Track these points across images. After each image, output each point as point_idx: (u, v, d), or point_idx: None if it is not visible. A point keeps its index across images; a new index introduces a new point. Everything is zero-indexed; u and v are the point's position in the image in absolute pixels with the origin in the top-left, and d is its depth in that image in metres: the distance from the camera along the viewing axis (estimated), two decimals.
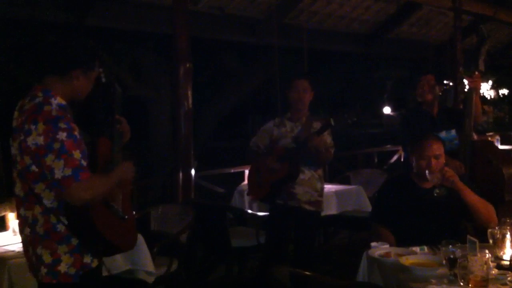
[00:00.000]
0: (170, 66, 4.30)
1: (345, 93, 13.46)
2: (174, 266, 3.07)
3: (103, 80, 1.93)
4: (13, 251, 2.58)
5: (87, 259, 1.81)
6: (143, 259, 2.71)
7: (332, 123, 2.95)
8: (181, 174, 4.08)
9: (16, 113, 1.81)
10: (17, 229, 2.87)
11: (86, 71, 1.84)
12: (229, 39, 6.83)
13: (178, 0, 4.17)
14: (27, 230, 1.80)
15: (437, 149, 2.51)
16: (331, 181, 4.97)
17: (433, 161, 2.48)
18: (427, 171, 2.39)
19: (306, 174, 3.17)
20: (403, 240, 2.44)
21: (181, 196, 4.09)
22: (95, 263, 1.85)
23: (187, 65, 4.06)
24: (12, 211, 2.96)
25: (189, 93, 4.11)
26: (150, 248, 2.80)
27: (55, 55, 1.82)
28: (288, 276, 2.03)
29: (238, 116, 12.65)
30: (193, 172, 4.17)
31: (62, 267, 1.77)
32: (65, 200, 1.72)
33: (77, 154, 1.70)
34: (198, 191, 4.60)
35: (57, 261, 1.76)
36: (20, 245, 2.66)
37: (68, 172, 1.68)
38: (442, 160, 2.53)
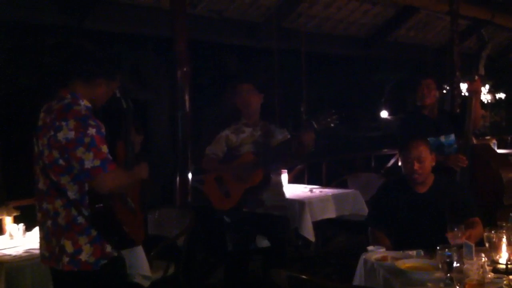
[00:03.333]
0: (170, 69, 4.31)
1: (344, 96, 13.48)
2: (171, 270, 3.06)
3: (117, 95, 2.08)
4: (9, 255, 2.58)
5: (108, 248, 1.95)
6: (139, 263, 2.69)
7: (315, 124, 2.87)
8: (178, 178, 4.08)
9: (42, 114, 1.95)
10: (13, 233, 2.88)
11: (108, 81, 2.00)
12: (228, 42, 6.84)
13: (177, 4, 4.17)
14: (49, 222, 1.93)
15: (421, 151, 2.46)
16: (328, 184, 4.98)
17: (416, 164, 2.45)
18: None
19: (272, 179, 3.11)
20: (399, 244, 2.44)
21: (178, 200, 4.09)
22: (114, 253, 1.97)
23: (185, 69, 4.06)
24: (8, 215, 2.96)
25: (187, 97, 4.11)
26: (147, 252, 2.79)
27: (85, 61, 1.98)
28: (286, 279, 2.04)
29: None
30: (190, 175, 4.16)
31: (83, 256, 1.90)
32: (89, 188, 1.86)
33: (104, 148, 1.87)
34: (195, 195, 4.59)
35: (78, 250, 1.90)
36: (17, 248, 2.69)
37: (97, 163, 1.83)
38: (427, 164, 2.49)
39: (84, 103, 1.94)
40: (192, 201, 4.00)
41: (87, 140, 1.83)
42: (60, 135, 1.84)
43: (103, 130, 1.89)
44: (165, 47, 4.68)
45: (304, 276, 2.03)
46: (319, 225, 3.91)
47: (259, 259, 3.47)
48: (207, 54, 7.98)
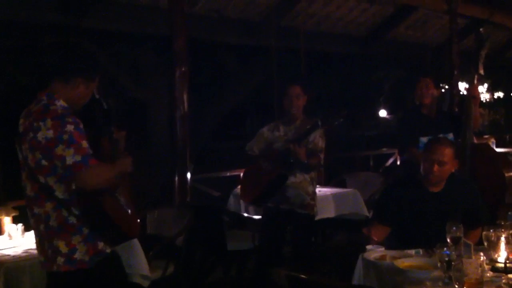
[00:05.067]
0: (169, 68, 4.31)
1: (343, 94, 13.48)
2: (170, 270, 3.07)
3: (96, 96, 2.06)
4: (8, 255, 2.58)
5: (100, 246, 1.94)
6: (138, 263, 2.70)
7: (320, 123, 2.99)
8: (177, 177, 4.08)
9: (21, 120, 1.93)
10: (12, 233, 2.87)
11: (87, 81, 1.97)
12: (227, 41, 6.84)
13: (175, 2, 4.17)
14: (42, 226, 1.93)
15: (444, 155, 2.42)
16: (327, 184, 4.98)
17: (436, 167, 2.41)
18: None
19: (298, 177, 3.20)
20: (402, 242, 2.42)
21: (177, 199, 4.09)
22: (108, 249, 1.97)
23: (183, 68, 4.07)
24: (7, 215, 2.96)
25: (185, 96, 4.11)
26: (146, 251, 2.79)
27: (60, 61, 1.95)
28: (285, 278, 2.04)
29: (236, 118, 12.67)
30: (189, 175, 4.16)
31: (78, 255, 1.91)
32: (76, 186, 1.84)
33: (84, 143, 1.85)
34: (194, 195, 4.60)
35: (73, 250, 1.90)
36: (16, 249, 2.69)
37: (78, 158, 1.82)
38: (447, 168, 2.45)
39: (61, 103, 1.93)
40: (191, 200, 4.01)
41: (65, 137, 1.83)
42: (40, 136, 1.84)
43: (81, 126, 1.88)
44: (164, 46, 4.68)
45: (303, 275, 2.03)
46: (318, 224, 3.90)
47: (258, 258, 3.47)
48: (206, 54, 7.96)
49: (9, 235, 2.85)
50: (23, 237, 2.86)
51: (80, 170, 1.81)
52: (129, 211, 2.04)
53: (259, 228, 3.52)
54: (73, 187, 1.86)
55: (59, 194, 1.87)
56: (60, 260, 1.90)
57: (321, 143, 3.20)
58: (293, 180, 3.17)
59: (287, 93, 3.30)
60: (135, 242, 2.69)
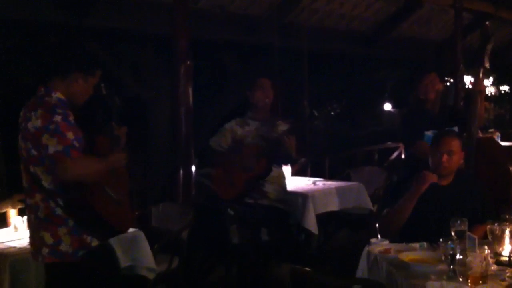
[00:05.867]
0: (170, 66, 4.31)
1: (345, 92, 13.45)
2: (175, 264, 3.08)
3: (104, 92, 2.07)
4: (14, 247, 2.60)
5: (86, 239, 1.95)
6: (144, 256, 2.72)
7: (316, 114, 3.01)
8: (181, 172, 4.08)
9: (21, 113, 1.96)
10: (18, 225, 2.90)
11: (85, 76, 1.98)
12: (229, 38, 6.83)
13: None
14: (32, 216, 1.96)
15: (453, 146, 2.46)
16: (331, 178, 4.97)
17: (445, 157, 2.44)
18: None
19: (275, 171, 3.20)
20: (409, 235, 2.40)
21: (182, 194, 4.10)
22: (94, 242, 1.97)
23: (188, 62, 4.07)
24: (13, 207, 2.98)
25: (190, 91, 4.12)
26: (151, 245, 2.81)
27: (57, 56, 1.99)
28: (288, 273, 2.04)
29: (236, 116, 12.64)
30: (193, 170, 4.17)
31: (63, 247, 1.92)
32: (59, 178, 1.84)
33: (70, 134, 1.87)
34: (199, 189, 4.61)
35: (58, 241, 1.92)
36: (22, 241, 2.71)
37: (60, 148, 1.83)
38: (456, 158, 2.48)
39: (57, 95, 1.94)
40: (196, 196, 4.01)
41: (52, 126, 1.84)
42: (29, 125, 1.87)
43: (70, 118, 1.89)
44: (166, 45, 4.69)
45: (307, 269, 2.03)
46: (320, 220, 3.90)
47: (260, 254, 3.47)
48: (207, 53, 7.96)
49: (15, 227, 2.87)
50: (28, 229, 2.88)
51: (60, 160, 1.82)
52: (122, 205, 2.02)
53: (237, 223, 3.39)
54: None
55: (45, 184, 1.89)
56: (45, 251, 1.92)
57: (294, 144, 3.17)
58: (272, 175, 3.18)
59: (260, 85, 3.24)
60: (141, 235, 2.70)
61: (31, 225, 2.00)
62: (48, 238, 1.92)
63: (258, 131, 3.23)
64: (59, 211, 1.91)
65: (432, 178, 2.44)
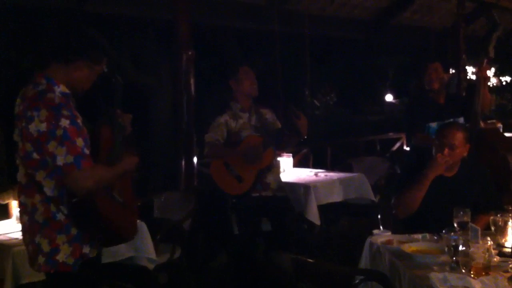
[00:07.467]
0: (171, 53, 4.27)
1: (347, 80, 13.40)
2: (177, 253, 3.09)
3: (105, 70, 1.90)
4: (16, 238, 2.59)
5: (86, 249, 1.81)
6: (145, 246, 2.73)
7: (317, 103, 3.03)
8: (183, 162, 4.08)
9: (18, 100, 1.80)
10: None
11: (91, 64, 1.83)
12: (230, 25, 6.77)
13: None
14: (25, 218, 1.80)
15: (456, 139, 2.43)
16: (332, 168, 4.97)
17: (446, 150, 2.41)
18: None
19: (275, 161, 3.28)
20: (414, 226, 2.40)
21: (184, 183, 4.10)
22: (93, 253, 1.84)
23: (190, 52, 4.04)
24: (15, 198, 2.97)
25: (192, 80, 4.10)
26: (153, 235, 2.81)
27: (63, 43, 1.81)
28: (291, 262, 2.05)
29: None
30: (195, 159, 4.16)
31: (61, 257, 1.76)
32: (67, 187, 1.71)
33: (79, 141, 1.71)
34: (200, 178, 4.61)
35: (55, 250, 1.76)
36: None
37: (70, 159, 1.67)
38: (459, 152, 2.45)
39: (61, 89, 1.76)
40: (198, 185, 4.00)
41: (59, 132, 1.67)
42: (32, 127, 1.68)
43: (78, 120, 1.73)
44: (167, 31, 4.63)
45: (309, 259, 2.03)
46: (322, 210, 3.90)
47: (262, 243, 3.48)
48: (208, 39, 7.89)
49: (17, 219, 2.85)
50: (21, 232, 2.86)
51: (71, 173, 1.67)
52: (128, 208, 1.90)
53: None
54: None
55: (48, 190, 1.73)
56: (41, 259, 1.76)
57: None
58: (273, 164, 3.23)
59: (250, 75, 3.15)
60: (142, 225, 2.70)
61: (25, 228, 1.81)
62: (45, 246, 1.75)
63: (250, 122, 3.21)
64: (60, 216, 1.75)
65: (446, 160, 2.40)
